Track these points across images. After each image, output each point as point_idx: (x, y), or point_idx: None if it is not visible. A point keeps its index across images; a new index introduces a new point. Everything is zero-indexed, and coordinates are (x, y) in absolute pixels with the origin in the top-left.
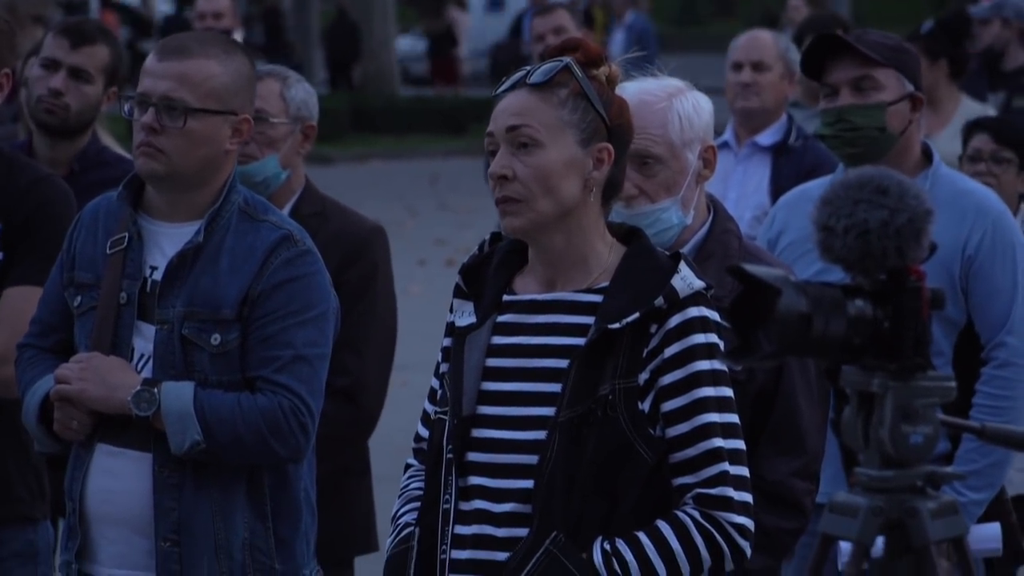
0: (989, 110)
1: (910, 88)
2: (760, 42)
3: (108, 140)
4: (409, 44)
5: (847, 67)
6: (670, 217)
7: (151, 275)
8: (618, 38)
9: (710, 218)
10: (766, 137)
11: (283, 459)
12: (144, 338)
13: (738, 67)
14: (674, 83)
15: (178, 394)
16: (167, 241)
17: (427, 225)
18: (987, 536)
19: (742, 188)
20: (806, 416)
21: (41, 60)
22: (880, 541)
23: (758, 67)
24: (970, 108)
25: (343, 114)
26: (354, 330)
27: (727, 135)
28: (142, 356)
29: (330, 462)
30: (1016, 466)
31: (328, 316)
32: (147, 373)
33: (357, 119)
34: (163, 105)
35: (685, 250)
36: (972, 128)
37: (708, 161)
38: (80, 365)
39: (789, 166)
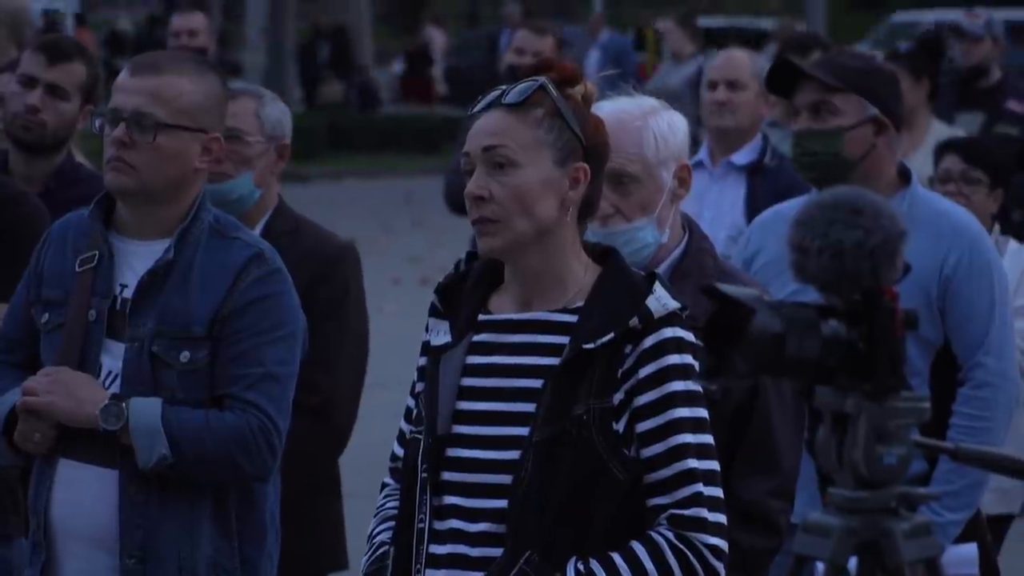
0: (958, 132)
1: (872, 112)
2: (736, 61)
3: (80, 157)
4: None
5: (807, 91)
6: (645, 236)
7: (121, 293)
8: (593, 57)
9: (685, 237)
10: (741, 156)
11: (250, 477)
12: (112, 356)
13: (713, 86)
14: (649, 102)
15: (146, 409)
16: (137, 259)
17: (402, 243)
18: (964, 559)
19: (717, 207)
20: (781, 435)
21: (18, 76)
22: (854, 562)
23: (733, 86)
24: (940, 130)
25: (319, 131)
26: (325, 348)
27: (702, 154)
28: (110, 373)
29: (300, 479)
30: (989, 486)
31: (297, 335)
32: (115, 390)
33: (333, 137)
34: (134, 120)
35: (660, 270)
36: (942, 149)
37: (683, 180)
38: (48, 378)
39: (764, 186)
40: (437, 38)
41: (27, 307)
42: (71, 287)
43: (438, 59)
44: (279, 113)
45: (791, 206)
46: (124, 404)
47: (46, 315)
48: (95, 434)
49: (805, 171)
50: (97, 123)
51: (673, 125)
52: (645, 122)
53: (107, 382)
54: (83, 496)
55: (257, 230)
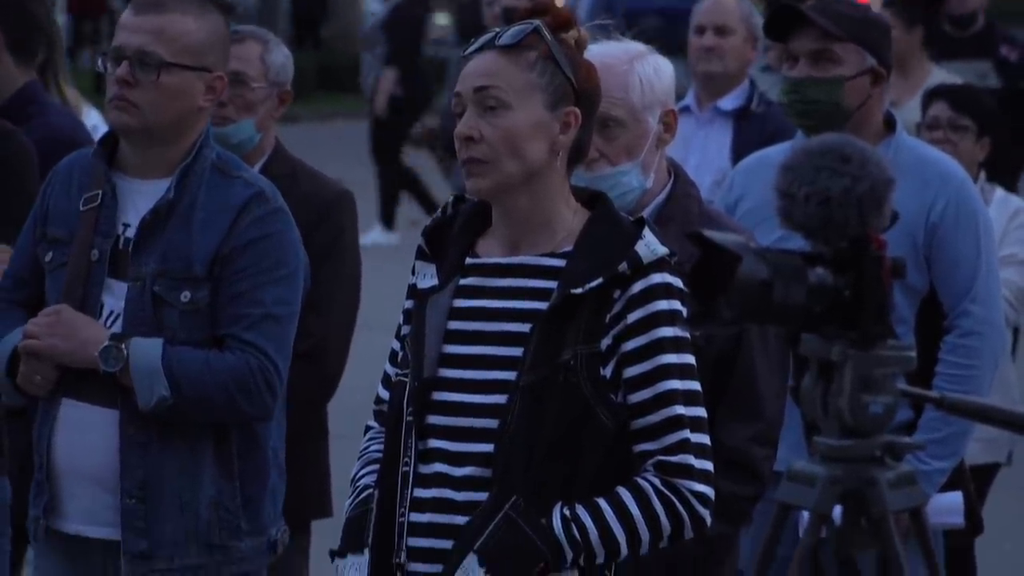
0: (957, 79)
1: (871, 62)
2: (723, 6)
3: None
4: None
5: (807, 38)
6: (630, 180)
7: (124, 232)
8: (585, 2)
9: (670, 182)
10: (728, 102)
11: (250, 417)
12: (114, 295)
13: (701, 31)
14: (635, 46)
15: (146, 350)
16: (141, 198)
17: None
18: (949, 508)
19: (703, 153)
20: (765, 382)
21: None
22: (838, 510)
23: (721, 31)
24: (939, 76)
25: (309, 72)
26: (318, 293)
27: (689, 99)
28: (112, 313)
29: (289, 425)
30: (976, 435)
31: (298, 274)
32: (116, 330)
33: (323, 77)
34: (137, 59)
35: (645, 214)
36: (930, 96)
37: (669, 125)
38: (49, 319)
39: (751, 131)
40: None
41: (33, 246)
42: (75, 226)
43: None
44: (283, 58)
45: (776, 151)
46: (124, 345)
47: (50, 253)
48: (97, 374)
49: (801, 118)
50: (100, 62)
51: (659, 70)
52: (631, 66)
53: (108, 322)
54: (85, 436)
55: None
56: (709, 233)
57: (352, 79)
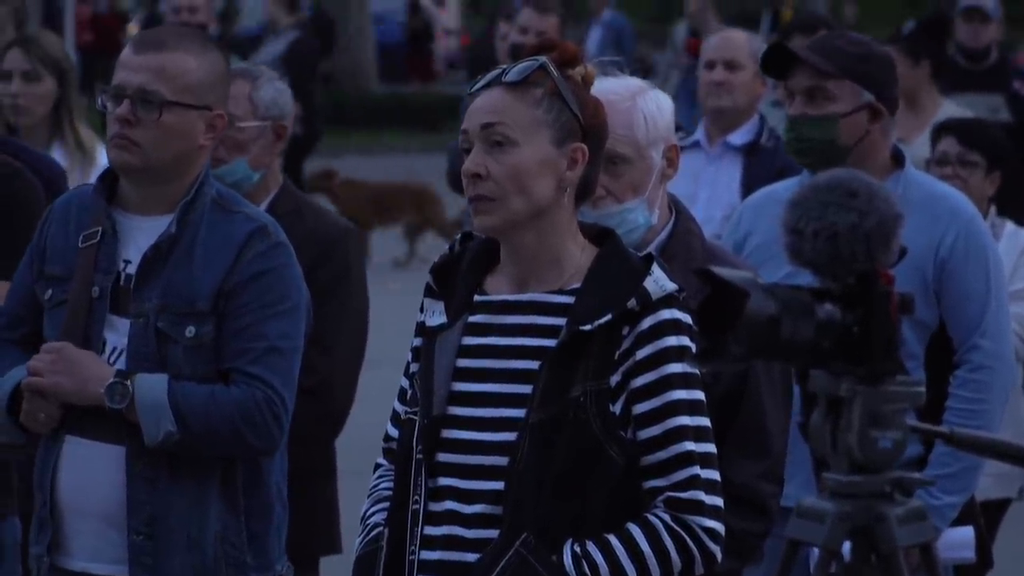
0: (968, 113)
1: (868, 98)
2: (733, 41)
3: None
4: None
5: (802, 76)
6: (636, 217)
7: (125, 269)
8: (595, 35)
9: (672, 219)
10: (738, 137)
11: (257, 451)
12: (116, 332)
13: (711, 66)
14: (635, 82)
15: (152, 385)
16: (141, 235)
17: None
18: (960, 542)
19: (713, 188)
20: (772, 419)
21: None
22: (848, 546)
23: (731, 66)
24: (949, 111)
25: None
26: (323, 329)
27: (698, 134)
28: (115, 349)
29: (295, 461)
30: (987, 470)
31: (300, 308)
32: (120, 366)
33: (331, 114)
34: (138, 97)
35: (649, 250)
36: (939, 131)
37: (672, 160)
38: (51, 357)
39: (760, 166)
40: (438, 16)
41: (30, 284)
42: (74, 263)
43: (439, 36)
44: (275, 93)
45: (783, 187)
46: (129, 381)
47: (49, 291)
48: (102, 411)
49: (799, 156)
50: (100, 100)
51: (660, 105)
52: (634, 103)
53: (111, 358)
54: (90, 473)
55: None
56: (717, 269)
57: (360, 115)
